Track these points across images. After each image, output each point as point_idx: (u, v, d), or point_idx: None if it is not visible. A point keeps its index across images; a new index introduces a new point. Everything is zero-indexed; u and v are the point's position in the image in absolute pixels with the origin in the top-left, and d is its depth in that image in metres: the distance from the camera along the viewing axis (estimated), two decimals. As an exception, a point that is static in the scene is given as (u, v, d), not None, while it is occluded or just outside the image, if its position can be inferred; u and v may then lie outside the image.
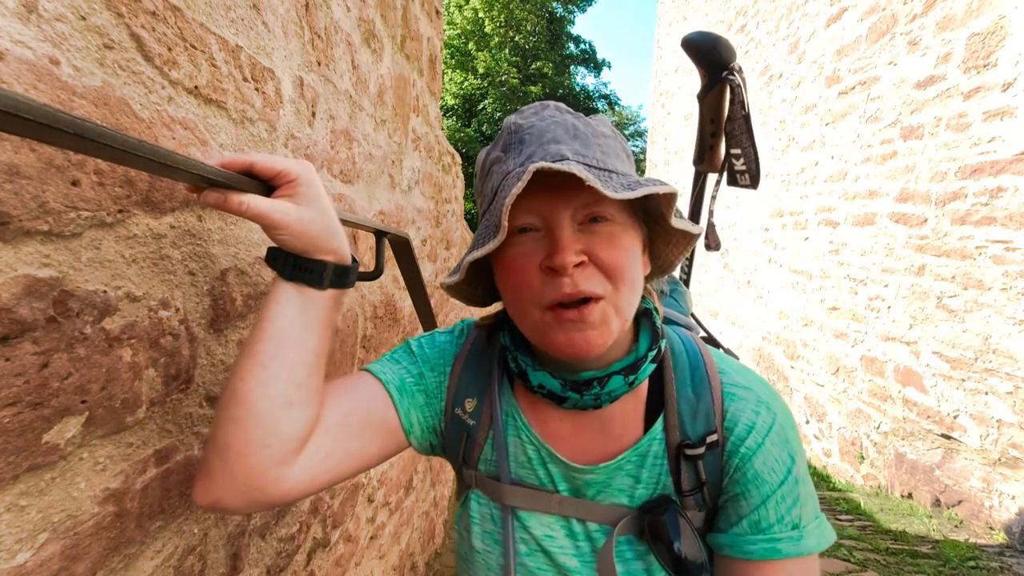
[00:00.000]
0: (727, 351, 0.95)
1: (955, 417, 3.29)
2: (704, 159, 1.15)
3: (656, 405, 0.68)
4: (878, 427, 3.98)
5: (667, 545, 0.62)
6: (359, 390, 0.68)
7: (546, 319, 0.59)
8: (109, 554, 0.55)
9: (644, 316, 0.69)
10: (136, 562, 0.59)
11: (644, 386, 0.68)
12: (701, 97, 1.07)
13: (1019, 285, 2.90)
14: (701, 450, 0.64)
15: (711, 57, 1.03)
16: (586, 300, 0.57)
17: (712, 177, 1.19)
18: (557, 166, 0.51)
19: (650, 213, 0.65)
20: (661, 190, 0.55)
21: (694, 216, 1.22)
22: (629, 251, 0.60)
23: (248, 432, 0.55)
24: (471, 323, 0.78)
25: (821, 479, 4.48)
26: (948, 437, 3.36)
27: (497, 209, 0.55)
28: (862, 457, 4.16)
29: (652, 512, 0.64)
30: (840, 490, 4.16)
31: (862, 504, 3.71)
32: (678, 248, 0.67)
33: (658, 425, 0.66)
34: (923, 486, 3.56)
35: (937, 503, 3.45)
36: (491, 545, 0.70)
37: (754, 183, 1.08)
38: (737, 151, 1.07)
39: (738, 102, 1.04)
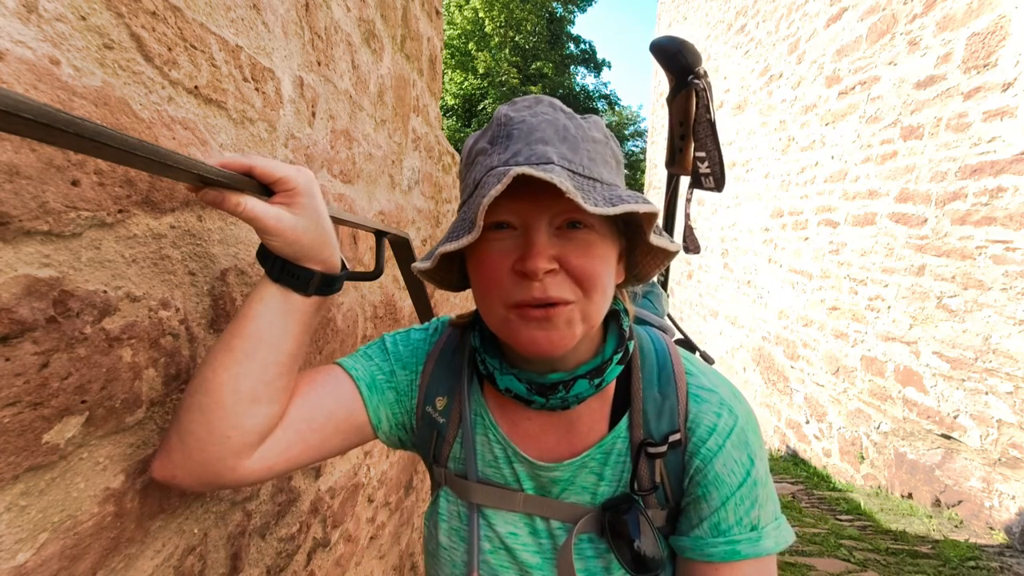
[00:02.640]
0: (703, 354, 0.95)
1: (955, 417, 3.29)
2: (675, 162, 1.17)
3: (622, 403, 0.68)
4: (878, 427, 3.98)
5: (627, 543, 0.63)
6: (327, 384, 0.69)
7: (511, 316, 0.59)
8: (109, 554, 0.55)
9: (612, 318, 0.69)
10: (136, 562, 0.59)
11: (611, 385, 0.69)
12: (670, 101, 1.09)
13: (1019, 285, 2.90)
14: (663, 448, 0.65)
15: (677, 61, 1.04)
16: (554, 304, 0.57)
17: (685, 179, 1.21)
18: (539, 174, 0.50)
19: (630, 225, 0.64)
20: (641, 208, 0.54)
21: (668, 218, 1.23)
22: (603, 260, 0.60)
23: (211, 423, 0.57)
24: (446, 320, 0.78)
25: (821, 479, 4.48)
26: (948, 437, 3.36)
27: (475, 205, 0.54)
28: (862, 457, 4.16)
29: (614, 510, 0.65)
30: (840, 490, 4.16)
31: (862, 504, 3.71)
32: (655, 261, 0.66)
33: (623, 423, 0.67)
34: (923, 486, 3.56)
35: (937, 503, 3.45)
36: (456, 542, 0.71)
37: (718, 186, 1.09)
38: (702, 154, 1.08)
39: (703, 106, 1.05)
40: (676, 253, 0.63)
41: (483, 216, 0.52)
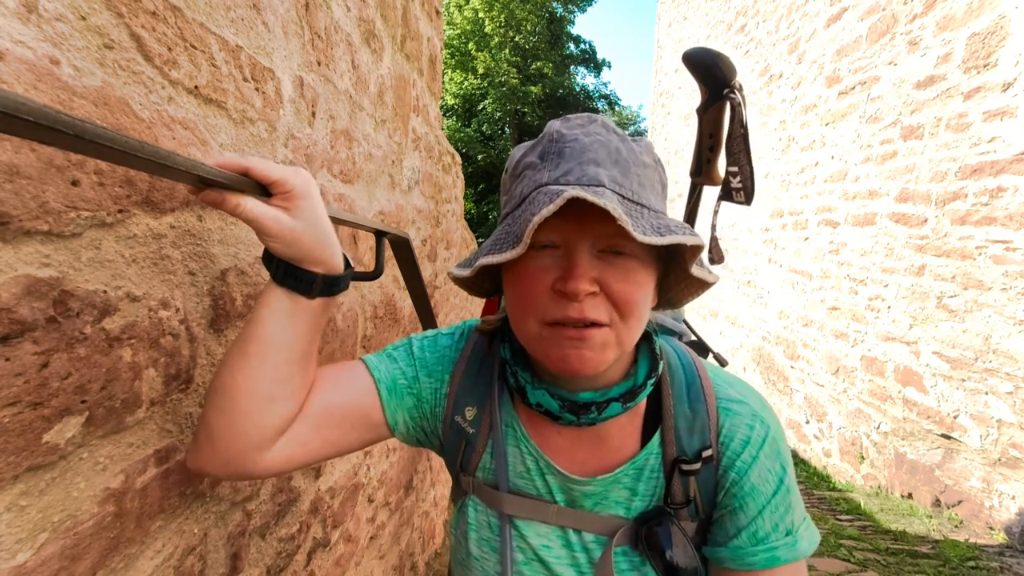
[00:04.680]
0: (716, 356, 0.95)
1: (955, 417, 3.29)
2: (702, 172, 1.15)
3: (653, 419, 0.69)
4: (878, 427, 3.98)
5: (660, 554, 0.64)
6: (349, 383, 0.69)
7: (544, 334, 0.59)
8: (109, 554, 0.55)
9: (643, 339, 0.69)
10: (136, 562, 0.59)
11: (642, 402, 0.69)
12: (701, 112, 1.08)
13: (1019, 285, 2.90)
14: (697, 465, 0.65)
15: (712, 74, 1.03)
16: (590, 324, 0.57)
17: (708, 189, 1.20)
18: (593, 198, 0.49)
19: (671, 252, 0.64)
20: (689, 241, 0.54)
21: (689, 225, 1.22)
22: (642, 287, 0.59)
23: (231, 421, 0.60)
24: (473, 326, 0.78)
25: (821, 479, 4.48)
26: (948, 437, 3.36)
27: (522, 221, 0.54)
28: (862, 457, 4.16)
29: (647, 523, 0.66)
30: (840, 490, 4.16)
31: (862, 504, 3.71)
32: (689, 290, 0.66)
33: (655, 440, 0.67)
34: (923, 486, 3.56)
35: (937, 503, 3.45)
36: (488, 552, 0.71)
37: (748, 200, 1.09)
38: (734, 168, 1.07)
39: (737, 120, 1.03)
40: (713, 284, 0.62)
41: (531, 235, 0.51)
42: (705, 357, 1.03)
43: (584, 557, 0.68)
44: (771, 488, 0.65)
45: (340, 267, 0.64)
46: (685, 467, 0.65)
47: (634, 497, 0.68)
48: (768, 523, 0.64)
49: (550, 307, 0.58)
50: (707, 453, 0.66)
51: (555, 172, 0.57)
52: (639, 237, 0.50)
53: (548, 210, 0.50)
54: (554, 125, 0.62)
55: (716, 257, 1.13)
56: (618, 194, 0.56)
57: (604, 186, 0.55)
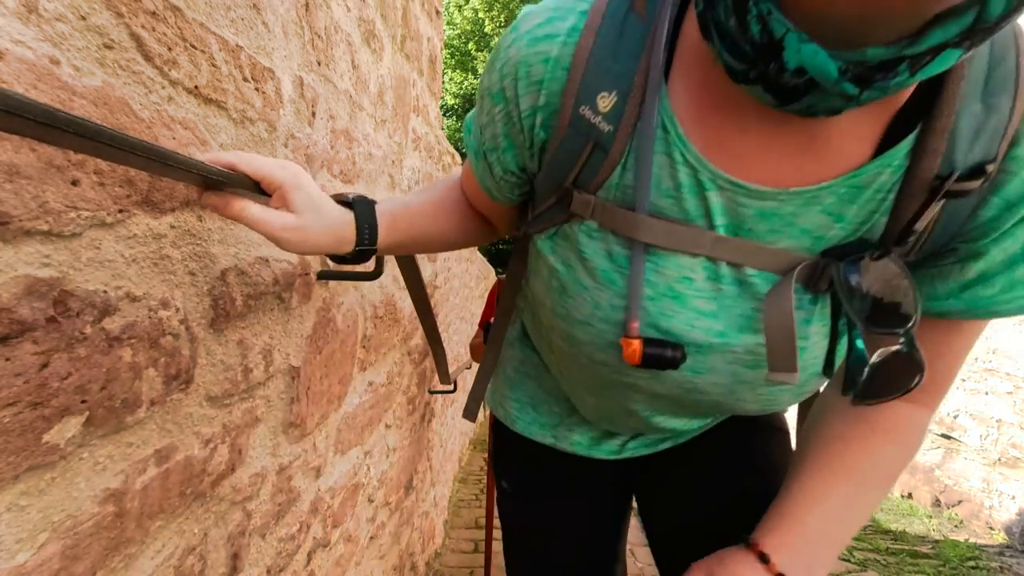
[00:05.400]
0: None
1: (955, 417, 3.30)
2: None
3: (911, 118, 0.45)
4: (878, 427, 3.98)
5: (848, 291, 0.46)
6: (471, 190, 0.74)
7: None
8: (109, 554, 0.55)
9: None
10: (136, 562, 0.59)
11: (905, 90, 0.44)
12: None
13: (1019, 285, 2.90)
14: (974, 184, 0.43)
15: None
16: None
17: None
18: None
19: None
20: None
21: None
22: None
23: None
24: None
25: (821, 479, 4.48)
26: (948, 437, 3.37)
27: None
28: (862, 457, 4.16)
29: (840, 259, 0.47)
30: (840, 490, 4.16)
31: (862, 504, 3.71)
32: None
33: (903, 146, 0.45)
34: (923, 486, 3.56)
35: (937, 503, 3.45)
36: (603, 284, 0.55)
37: None
38: None
39: None
40: None
41: None
42: None
43: (734, 290, 0.52)
44: None
45: (352, 238, 0.65)
46: (956, 187, 0.43)
47: (835, 224, 0.48)
48: (1005, 282, 0.46)
49: None
50: (990, 167, 0.43)
51: None
52: None
53: None
54: None
55: None
56: None
57: None
